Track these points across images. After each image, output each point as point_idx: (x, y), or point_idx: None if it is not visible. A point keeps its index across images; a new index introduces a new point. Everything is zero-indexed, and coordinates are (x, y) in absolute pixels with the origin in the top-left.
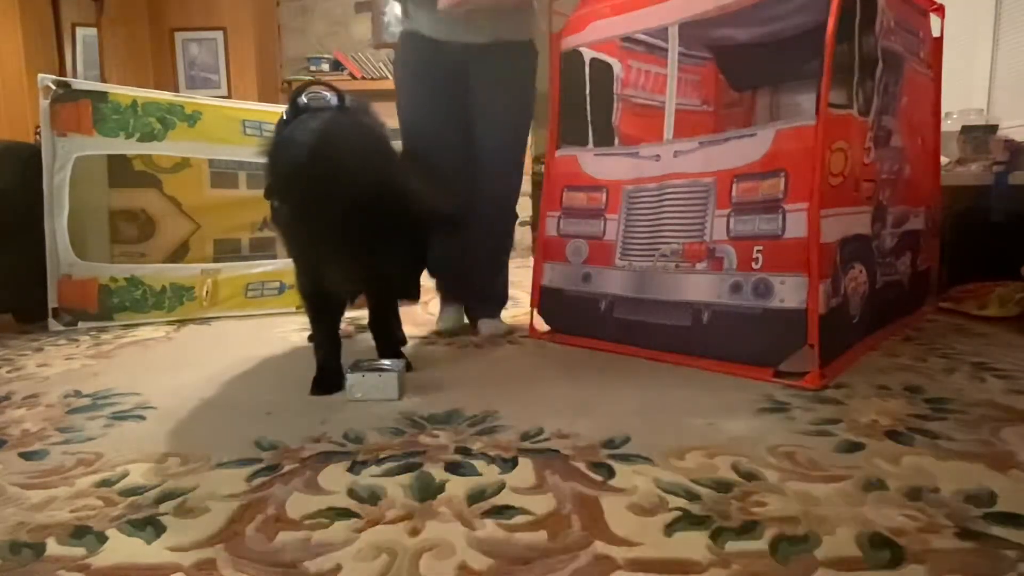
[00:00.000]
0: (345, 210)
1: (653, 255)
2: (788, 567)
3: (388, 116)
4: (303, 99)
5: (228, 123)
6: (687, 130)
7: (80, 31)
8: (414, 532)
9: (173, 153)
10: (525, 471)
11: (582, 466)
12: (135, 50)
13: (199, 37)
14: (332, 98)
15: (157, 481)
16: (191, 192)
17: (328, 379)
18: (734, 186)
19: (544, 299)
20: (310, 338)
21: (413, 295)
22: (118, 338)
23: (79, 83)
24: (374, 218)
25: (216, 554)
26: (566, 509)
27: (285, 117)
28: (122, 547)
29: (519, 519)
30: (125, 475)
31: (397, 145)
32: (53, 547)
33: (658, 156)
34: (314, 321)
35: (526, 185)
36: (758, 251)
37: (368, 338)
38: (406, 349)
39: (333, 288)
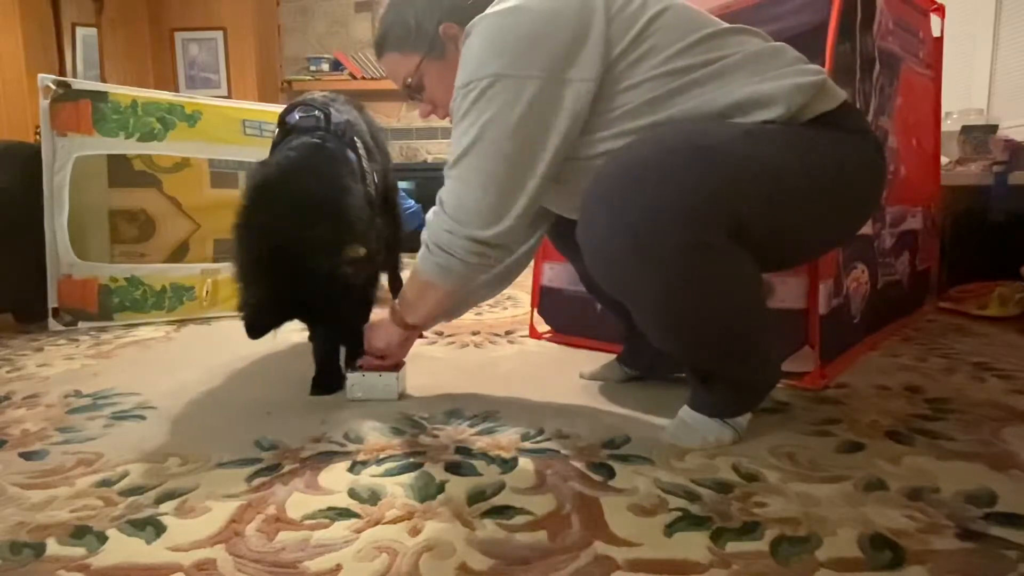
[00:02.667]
0: (271, 256)
1: None
2: (789, 568)
3: (384, 115)
4: (294, 117)
5: (228, 123)
6: None
7: (80, 31)
8: (414, 532)
9: (173, 153)
10: (525, 471)
11: (582, 466)
12: (135, 50)
13: (199, 37)
14: (321, 117)
15: (157, 481)
16: (191, 192)
17: (328, 379)
18: None
19: (544, 299)
20: (310, 337)
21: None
22: (118, 338)
23: (79, 83)
24: (299, 272)
25: (216, 554)
26: (566, 509)
27: (275, 138)
28: (122, 547)
29: (519, 519)
30: (125, 475)
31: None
32: (53, 547)
33: None
34: None
35: None
36: None
37: None
38: None
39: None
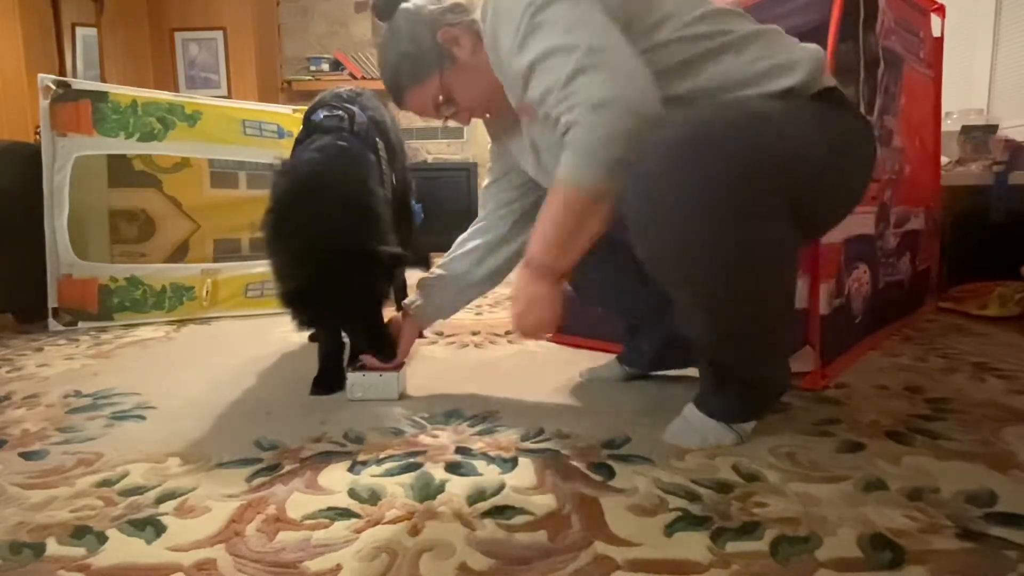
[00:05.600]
0: (305, 255)
1: None
2: (789, 568)
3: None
4: (319, 115)
5: (228, 123)
6: None
7: (80, 31)
8: (414, 532)
9: (173, 153)
10: (525, 471)
11: (582, 466)
12: (135, 50)
13: (199, 37)
14: (345, 117)
15: (157, 481)
16: (191, 192)
17: (328, 379)
18: None
19: None
20: (311, 337)
21: (375, 348)
22: (118, 338)
23: (79, 83)
24: (331, 268)
25: (216, 554)
26: (566, 509)
27: (299, 135)
28: (122, 547)
29: (519, 519)
30: (125, 475)
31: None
32: (53, 547)
33: None
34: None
35: None
36: None
37: None
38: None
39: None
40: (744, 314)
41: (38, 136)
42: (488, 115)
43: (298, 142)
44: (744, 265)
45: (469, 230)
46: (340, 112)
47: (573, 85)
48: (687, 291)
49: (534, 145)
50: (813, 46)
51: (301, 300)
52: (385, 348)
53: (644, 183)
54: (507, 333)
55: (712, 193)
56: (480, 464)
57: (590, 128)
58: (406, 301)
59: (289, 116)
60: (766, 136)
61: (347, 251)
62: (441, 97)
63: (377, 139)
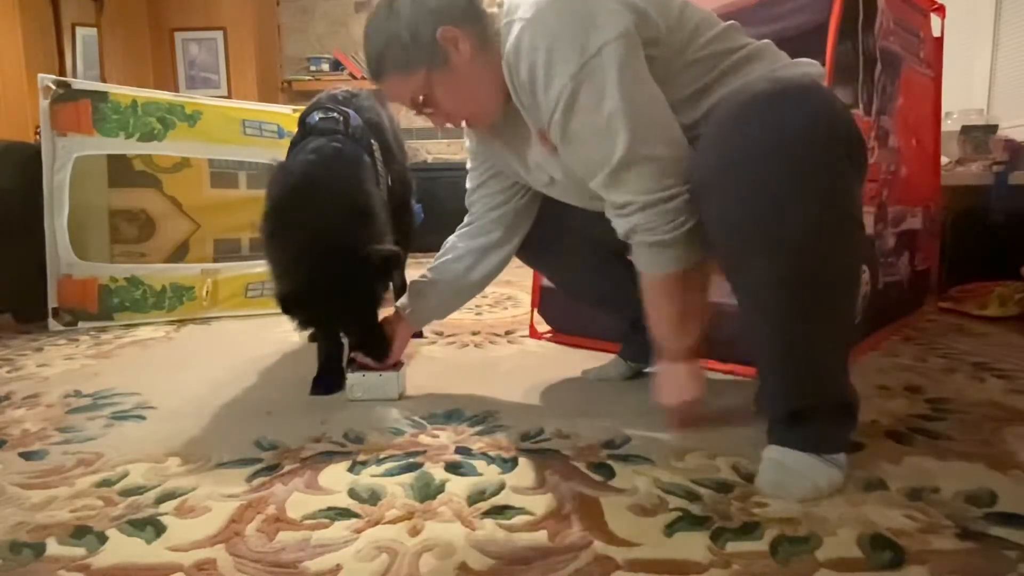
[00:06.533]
0: (299, 256)
1: None
2: (789, 568)
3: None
4: (314, 118)
5: (228, 123)
6: None
7: (80, 31)
8: (414, 532)
9: (173, 153)
10: (525, 471)
11: (582, 466)
12: (135, 50)
13: (199, 37)
14: (340, 120)
15: (157, 481)
16: (191, 192)
17: (328, 379)
18: None
19: (544, 299)
20: (311, 338)
21: (372, 350)
22: (118, 338)
23: (79, 83)
24: (327, 269)
25: (216, 554)
26: (566, 509)
27: (295, 138)
28: (122, 547)
29: (519, 519)
30: (125, 475)
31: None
32: (53, 547)
33: None
34: None
35: None
36: None
37: None
38: (406, 350)
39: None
40: (821, 293)
41: (38, 136)
42: (465, 124)
43: (293, 144)
44: (825, 222)
45: (457, 233)
46: (335, 114)
47: (620, 177)
48: (762, 262)
49: (545, 169)
50: (814, 63)
51: (295, 302)
52: (379, 349)
53: (718, 137)
54: (507, 333)
55: (792, 140)
56: (480, 464)
57: (653, 226)
58: (398, 303)
59: (289, 116)
60: (829, 97)
61: (341, 252)
62: (422, 97)
63: (373, 140)
